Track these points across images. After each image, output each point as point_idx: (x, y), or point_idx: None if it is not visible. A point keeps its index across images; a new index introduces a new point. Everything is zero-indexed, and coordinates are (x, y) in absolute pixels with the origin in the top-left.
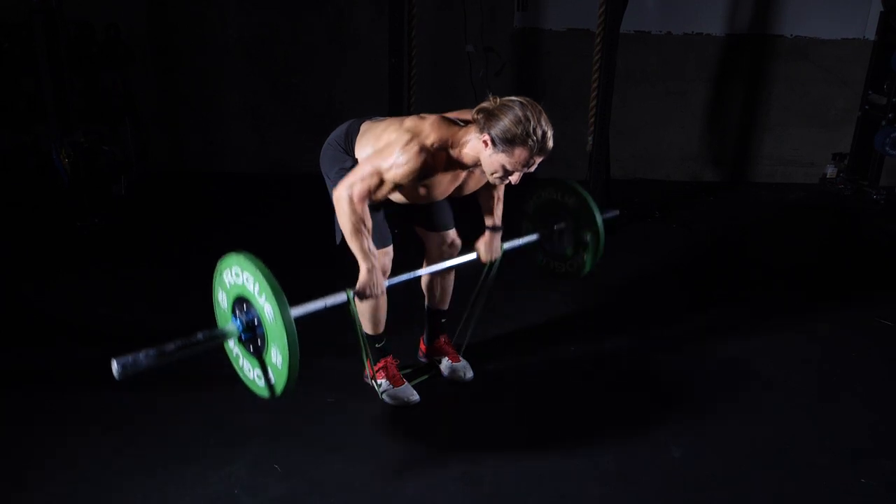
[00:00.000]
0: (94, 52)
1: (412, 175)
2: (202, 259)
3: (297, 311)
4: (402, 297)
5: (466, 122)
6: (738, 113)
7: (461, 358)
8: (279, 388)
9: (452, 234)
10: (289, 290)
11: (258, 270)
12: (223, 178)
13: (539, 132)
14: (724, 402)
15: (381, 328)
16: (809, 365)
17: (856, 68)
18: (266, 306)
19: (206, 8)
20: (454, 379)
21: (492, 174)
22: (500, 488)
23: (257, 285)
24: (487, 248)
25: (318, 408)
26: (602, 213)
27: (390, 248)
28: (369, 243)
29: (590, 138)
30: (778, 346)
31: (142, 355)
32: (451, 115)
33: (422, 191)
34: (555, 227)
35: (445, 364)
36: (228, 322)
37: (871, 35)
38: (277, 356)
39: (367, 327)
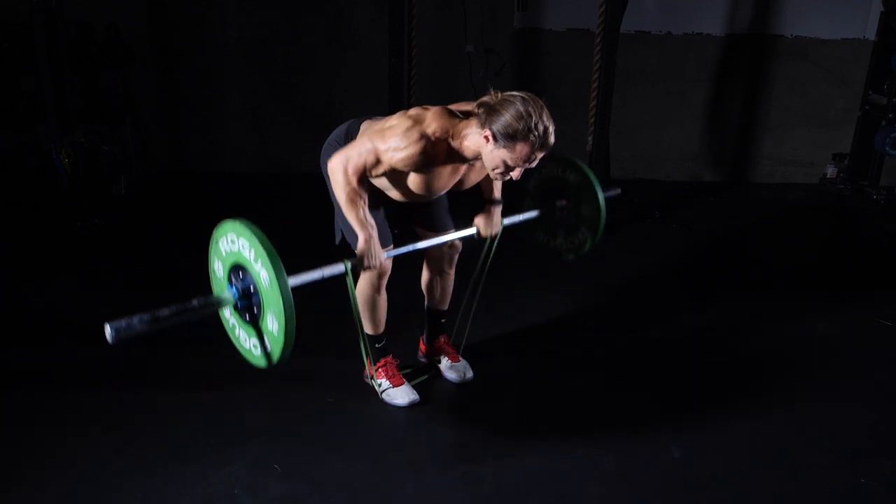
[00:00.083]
0: (94, 52)
1: (410, 161)
2: (202, 259)
3: (294, 281)
4: (402, 298)
5: (467, 114)
6: (738, 113)
7: (461, 358)
8: (276, 355)
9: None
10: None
11: (254, 236)
12: (223, 178)
13: (541, 127)
14: (724, 401)
15: (382, 328)
16: (809, 365)
17: (856, 68)
18: (262, 272)
19: (206, 8)
20: (454, 379)
21: (493, 170)
22: (500, 488)
23: (253, 251)
24: (487, 222)
25: (318, 408)
26: (604, 190)
27: (391, 248)
28: (365, 213)
29: (590, 138)
30: (777, 346)
31: (136, 319)
32: (453, 107)
33: (421, 183)
34: (556, 204)
35: (445, 364)
36: (224, 291)
37: (871, 35)
38: (273, 323)
39: (367, 327)
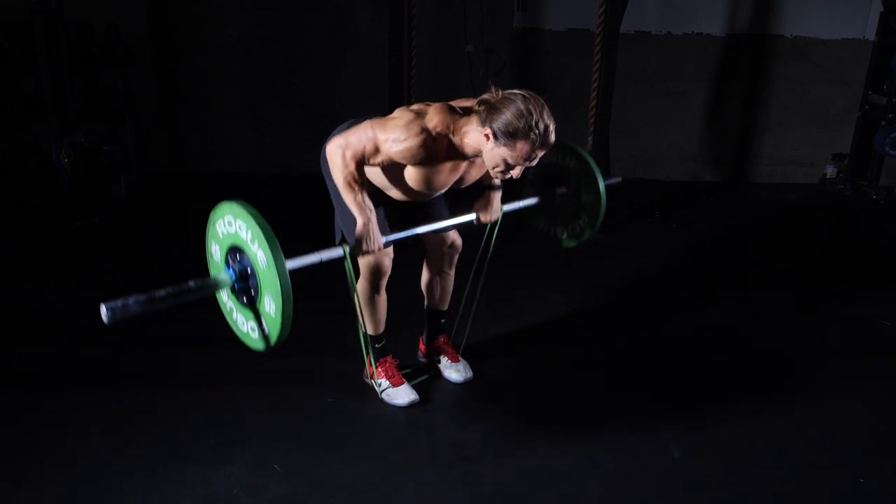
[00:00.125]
0: (94, 52)
1: (408, 153)
2: (202, 259)
3: (292, 264)
4: (402, 298)
5: (468, 111)
6: (738, 113)
7: (460, 358)
8: (273, 337)
9: (453, 234)
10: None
11: (251, 217)
12: (223, 178)
13: (541, 125)
14: (724, 401)
15: (382, 328)
16: (809, 365)
17: (856, 68)
18: (259, 253)
19: (206, 8)
20: (454, 379)
21: (493, 168)
22: (500, 488)
23: (250, 232)
24: (487, 208)
25: (318, 408)
26: (604, 178)
27: (390, 249)
28: (363, 197)
29: (590, 138)
30: (777, 346)
31: (131, 300)
32: (454, 103)
33: (422, 179)
34: (556, 191)
35: (445, 364)
36: (221, 273)
37: (871, 35)
38: (271, 304)
39: (367, 327)
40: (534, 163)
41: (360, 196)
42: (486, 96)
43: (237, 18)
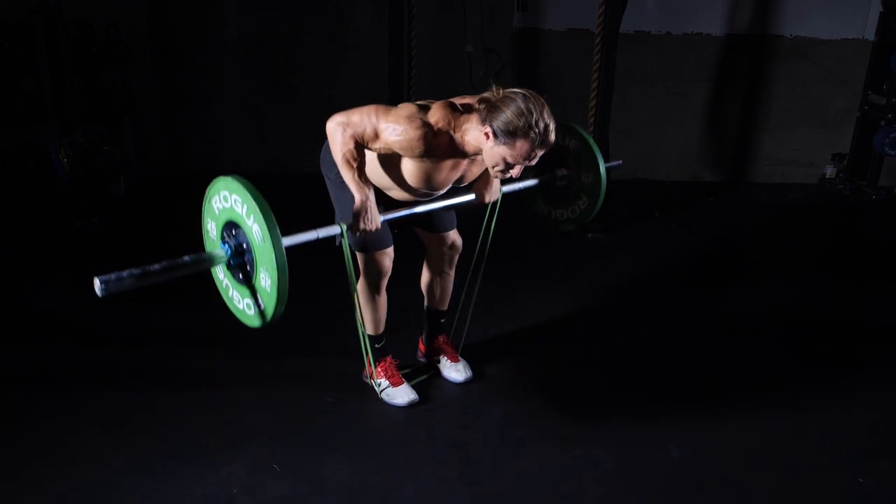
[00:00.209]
0: (94, 52)
1: (407, 144)
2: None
3: (288, 241)
4: (402, 298)
5: (469, 108)
6: (737, 113)
7: (460, 357)
8: (269, 312)
9: (453, 234)
10: (291, 288)
11: (246, 191)
12: None
13: (541, 125)
14: (724, 402)
15: (382, 328)
16: (809, 364)
17: (855, 68)
18: (254, 227)
19: (206, 8)
20: (453, 378)
21: (493, 167)
22: (499, 488)
23: (245, 206)
24: (486, 189)
25: (318, 408)
26: (605, 161)
27: (391, 249)
28: (362, 175)
29: None
30: (777, 346)
31: (125, 273)
32: (454, 100)
33: (422, 175)
34: (556, 173)
35: (444, 364)
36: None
37: (870, 35)
38: (266, 279)
39: (367, 327)
40: (533, 162)
41: (356, 175)
42: (486, 95)
43: (237, 18)
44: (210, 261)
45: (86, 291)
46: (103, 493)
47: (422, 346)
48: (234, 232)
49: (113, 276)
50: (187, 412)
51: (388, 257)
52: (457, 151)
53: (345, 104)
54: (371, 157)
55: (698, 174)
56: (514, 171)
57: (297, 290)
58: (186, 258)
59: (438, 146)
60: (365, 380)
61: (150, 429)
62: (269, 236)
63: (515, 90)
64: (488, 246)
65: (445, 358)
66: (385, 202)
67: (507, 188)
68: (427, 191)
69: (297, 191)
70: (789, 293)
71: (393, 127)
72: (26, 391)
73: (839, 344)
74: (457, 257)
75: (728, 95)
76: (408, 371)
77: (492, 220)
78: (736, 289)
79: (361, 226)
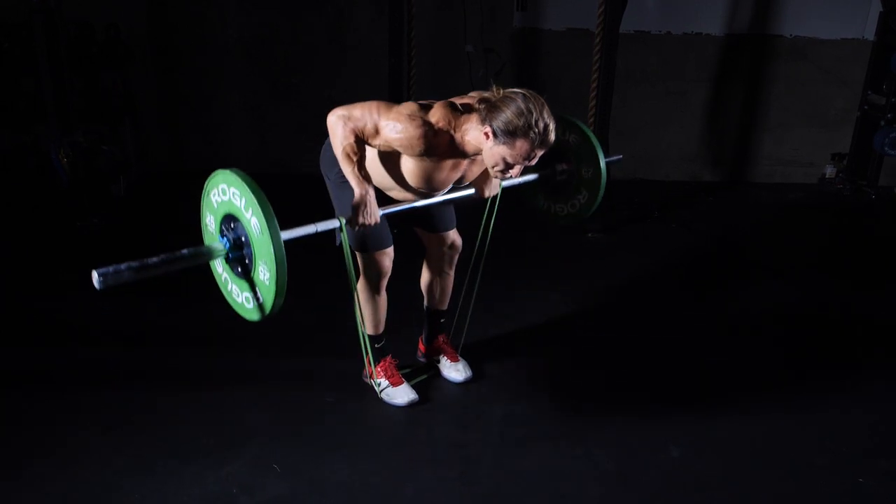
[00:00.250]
0: (94, 52)
1: (407, 142)
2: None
3: (287, 234)
4: (402, 297)
5: (469, 108)
6: (737, 113)
7: (460, 357)
8: (268, 306)
9: (453, 234)
10: (291, 288)
11: (244, 184)
12: None
13: (541, 124)
14: (724, 402)
15: (381, 328)
16: (808, 364)
17: (855, 68)
18: (252, 220)
19: (206, 8)
20: (453, 378)
21: (493, 167)
22: (499, 488)
23: (244, 199)
24: (486, 183)
25: (318, 408)
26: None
27: (390, 249)
28: (362, 169)
29: None
30: (777, 346)
31: (123, 266)
32: (454, 99)
33: (422, 175)
34: (556, 168)
35: (444, 363)
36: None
37: (870, 35)
38: (265, 272)
39: (367, 327)
40: (533, 162)
41: (356, 169)
42: (486, 94)
43: (237, 18)
44: (208, 254)
45: (86, 291)
46: (103, 493)
47: (421, 346)
48: (232, 225)
49: (111, 268)
50: (187, 412)
51: (387, 257)
52: (457, 151)
53: (345, 104)
54: (372, 157)
55: (698, 174)
56: (514, 171)
57: (297, 289)
58: (184, 251)
59: (439, 146)
60: (365, 379)
61: (150, 429)
62: (267, 229)
63: (515, 90)
64: (488, 241)
65: (445, 358)
66: (385, 203)
67: (507, 182)
68: (427, 191)
69: (297, 191)
70: (789, 293)
71: (393, 124)
72: (26, 391)
73: (839, 344)
74: (456, 257)
75: (728, 95)
76: (408, 371)
77: (491, 215)
78: (736, 289)
79: (360, 220)
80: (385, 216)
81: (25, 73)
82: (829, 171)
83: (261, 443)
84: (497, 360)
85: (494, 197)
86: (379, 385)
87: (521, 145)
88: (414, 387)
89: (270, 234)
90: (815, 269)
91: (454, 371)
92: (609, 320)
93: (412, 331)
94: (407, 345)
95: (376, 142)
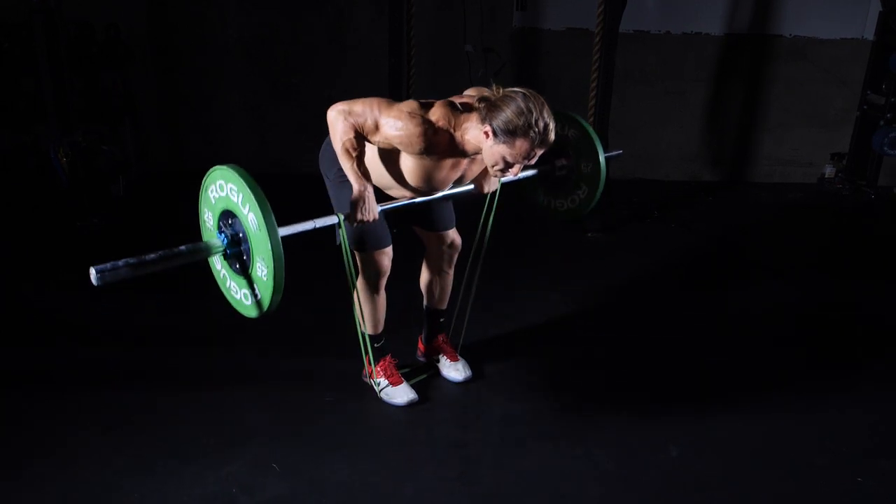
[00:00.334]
0: (94, 52)
1: (407, 140)
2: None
3: (284, 231)
4: (401, 297)
5: (468, 107)
6: (737, 113)
7: (459, 357)
8: (266, 302)
9: (452, 233)
10: (290, 287)
11: (242, 180)
12: None
13: (541, 124)
14: (724, 402)
15: (381, 328)
16: (808, 364)
17: (854, 68)
18: (250, 216)
19: (206, 8)
20: (452, 378)
21: (492, 166)
22: (499, 488)
23: (241, 195)
24: (486, 178)
25: (318, 408)
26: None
27: (389, 249)
28: (361, 166)
29: None
30: (777, 345)
31: (121, 263)
32: (454, 98)
33: (422, 174)
34: (555, 163)
35: (444, 363)
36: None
37: (869, 35)
38: (263, 268)
39: (366, 327)
40: (533, 161)
41: (355, 165)
42: (486, 94)
43: (237, 18)
44: (206, 250)
45: (86, 291)
46: (103, 493)
47: (421, 346)
48: (230, 221)
49: (109, 265)
50: (187, 412)
51: (386, 257)
52: (457, 150)
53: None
54: (371, 155)
55: (697, 174)
56: (514, 171)
57: (297, 288)
58: (182, 247)
59: (438, 144)
60: (364, 379)
61: (150, 429)
62: (264, 225)
63: (515, 89)
64: (487, 237)
65: (445, 357)
66: (385, 202)
67: (507, 178)
68: (427, 190)
69: (297, 191)
70: (789, 293)
71: (394, 121)
72: (26, 391)
73: (839, 344)
74: (456, 256)
75: (727, 95)
76: (407, 370)
77: (490, 211)
78: (736, 289)
79: (359, 216)
80: (384, 214)
81: (25, 73)
82: (829, 170)
83: (261, 443)
84: (497, 360)
85: (494, 193)
86: (378, 385)
87: (521, 144)
88: (413, 386)
89: (268, 230)
90: (814, 269)
91: (454, 371)
92: (609, 320)
93: (411, 330)
94: (406, 344)
95: (376, 138)
